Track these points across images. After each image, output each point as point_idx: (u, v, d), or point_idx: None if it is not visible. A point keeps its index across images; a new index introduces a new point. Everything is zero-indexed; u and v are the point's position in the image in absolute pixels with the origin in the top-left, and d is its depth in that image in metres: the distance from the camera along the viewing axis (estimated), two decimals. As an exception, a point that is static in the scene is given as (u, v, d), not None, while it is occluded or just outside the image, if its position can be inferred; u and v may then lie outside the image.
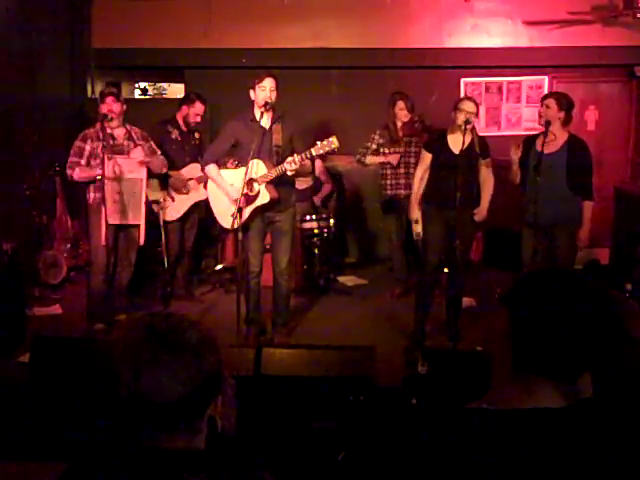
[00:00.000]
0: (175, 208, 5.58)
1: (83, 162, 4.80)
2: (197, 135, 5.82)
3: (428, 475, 1.35)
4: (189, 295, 5.90)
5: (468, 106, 4.61)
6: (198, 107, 5.67)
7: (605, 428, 1.33)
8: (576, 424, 1.31)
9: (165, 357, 1.29)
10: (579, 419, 1.32)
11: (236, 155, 4.77)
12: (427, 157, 4.85)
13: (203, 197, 5.56)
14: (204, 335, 1.35)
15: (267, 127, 4.57)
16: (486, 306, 5.38)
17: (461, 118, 4.56)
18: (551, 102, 4.58)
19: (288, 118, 4.64)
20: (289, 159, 4.37)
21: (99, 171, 4.62)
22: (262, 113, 4.49)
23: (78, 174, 4.80)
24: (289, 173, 4.41)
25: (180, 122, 5.71)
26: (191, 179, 5.59)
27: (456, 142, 4.63)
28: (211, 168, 4.69)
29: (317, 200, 6.50)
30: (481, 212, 4.77)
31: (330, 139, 4.31)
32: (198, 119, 5.70)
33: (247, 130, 4.53)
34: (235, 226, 4.45)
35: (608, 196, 6.43)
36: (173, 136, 5.63)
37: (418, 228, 4.89)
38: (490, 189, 4.79)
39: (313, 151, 4.35)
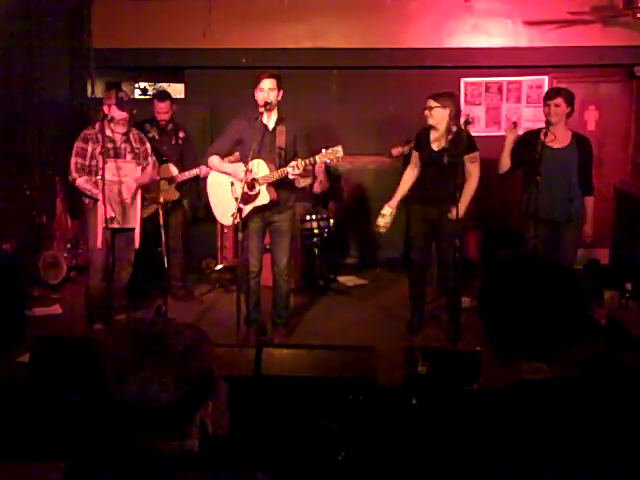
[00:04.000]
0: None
1: (87, 163, 4.78)
2: (182, 135, 5.78)
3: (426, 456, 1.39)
4: (188, 295, 5.90)
5: (429, 103, 4.63)
6: (156, 105, 5.66)
7: (587, 394, 1.37)
8: (560, 391, 1.36)
9: (150, 363, 1.29)
10: (563, 387, 1.37)
11: (240, 153, 4.77)
12: (415, 156, 4.90)
13: (173, 198, 5.57)
14: (190, 341, 1.34)
15: (271, 128, 4.57)
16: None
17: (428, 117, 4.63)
18: (560, 101, 4.63)
19: (292, 120, 4.63)
20: (292, 163, 4.36)
21: (99, 194, 4.60)
22: (262, 113, 4.49)
23: (82, 183, 4.76)
24: (291, 177, 4.42)
25: (160, 122, 5.69)
26: (162, 179, 5.55)
27: (437, 139, 4.69)
28: (213, 158, 4.66)
29: (316, 188, 6.43)
30: (457, 209, 4.59)
31: (336, 148, 4.30)
32: (163, 116, 5.65)
33: (251, 129, 4.51)
34: (235, 223, 4.44)
35: (608, 196, 6.42)
36: (150, 135, 5.57)
37: (384, 221, 4.88)
38: (471, 186, 4.67)
39: (317, 158, 4.35)
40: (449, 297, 4.91)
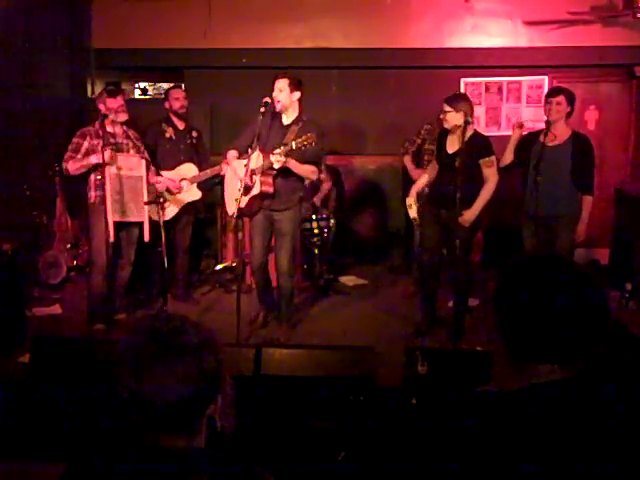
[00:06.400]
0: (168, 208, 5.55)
1: (79, 157, 4.79)
2: (195, 134, 5.79)
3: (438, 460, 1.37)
4: (187, 295, 5.88)
5: (444, 107, 4.62)
6: (173, 93, 5.68)
7: (603, 395, 1.36)
8: (576, 393, 1.34)
9: (167, 358, 1.30)
10: (578, 388, 1.34)
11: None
12: (436, 155, 4.92)
13: (196, 197, 5.59)
14: (205, 336, 1.36)
15: (285, 124, 4.65)
16: (487, 306, 5.38)
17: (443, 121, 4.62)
18: (562, 99, 4.66)
19: (310, 124, 4.63)
20: (276, 151, 4.41)
21: (93, 159, 4.64)
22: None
23: (72, 166, 4.79)
24: (276, 166, 4.43)
25: (175, 120, 5.69)
26: (184, 179, 5.57)
27: (452, 142, 4.67)
28: (230, 152, 4.79)
29: (317, 200, 6.50)
30: (467, 214, 4.53)
31: (308, 134, 4.37)
32: (181, 102, 5.64)
33: (268, 121, 4.59)
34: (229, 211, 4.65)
35: (608, 196, 6.42)
36: (167, 135, 5.60)
37: (412, 213, 4.89)
38: (487, 190, 4.58)
39: (293, 144, 4.38)
40: (457, 298, 4.89)
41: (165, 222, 5.52)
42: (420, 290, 5.04)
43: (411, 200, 4.87)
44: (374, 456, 2.57)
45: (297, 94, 4.58)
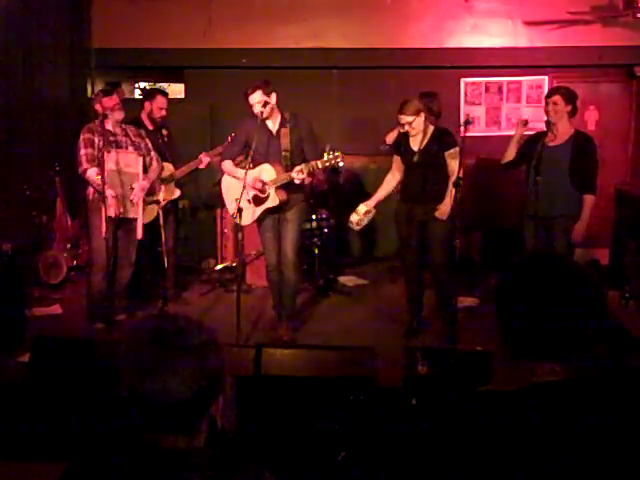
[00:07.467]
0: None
1: (96, 153, 4.79)
2: (165, 132, 5.74)
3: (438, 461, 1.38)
4: (176, 296, 5.79)
5: (404, 118, 4.60)
6: (160, 101, 5.63)
7: (605, 395, 1.36)
8: (578, 393, 1.34)
9: (170, 359, 1.30)
10: (580, 389, 1.35)
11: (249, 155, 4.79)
12: (396, 159, 4.89)
13: (175, 196, 5.61)
14: (208, 336, 1.36)
15: (274, 131, 4.62)
16: (486, 306, 5.38)
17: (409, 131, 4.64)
18: (558, 98, 4.62)
19: (296, 120, 4.64)
20: (297, 168, 4.44)
21: (109, 192, 4.65)
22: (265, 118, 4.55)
23: (92, 175, 4.75)
24: (297, 181, 4.48)
25: (145, 121, 5.63)
26: (161, 178, 5.54)
27: (416, 139, 4.69)
28: (226, 163, 4.81)
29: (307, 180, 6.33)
30: (442, 208, 4.58)
31: (337, 153, 4.39)
32: (163, 112, 5.63)
33: (256, 131, 4.54)
34: (243, 222, 4.60)
35: (608, 196, 6.42)
36: None
37: (354, 217, 4.90)
38: (454, 183, 4.50)
39: (319, 164, 4.43)
40: (440, 298, 4.87)
41: (149, 223, 5.51)
42: (405, 289, 5.02)
43: (364, 208, 4.85)
44: (374, 456, 2.57)
45: (274, 95, 4.53)
